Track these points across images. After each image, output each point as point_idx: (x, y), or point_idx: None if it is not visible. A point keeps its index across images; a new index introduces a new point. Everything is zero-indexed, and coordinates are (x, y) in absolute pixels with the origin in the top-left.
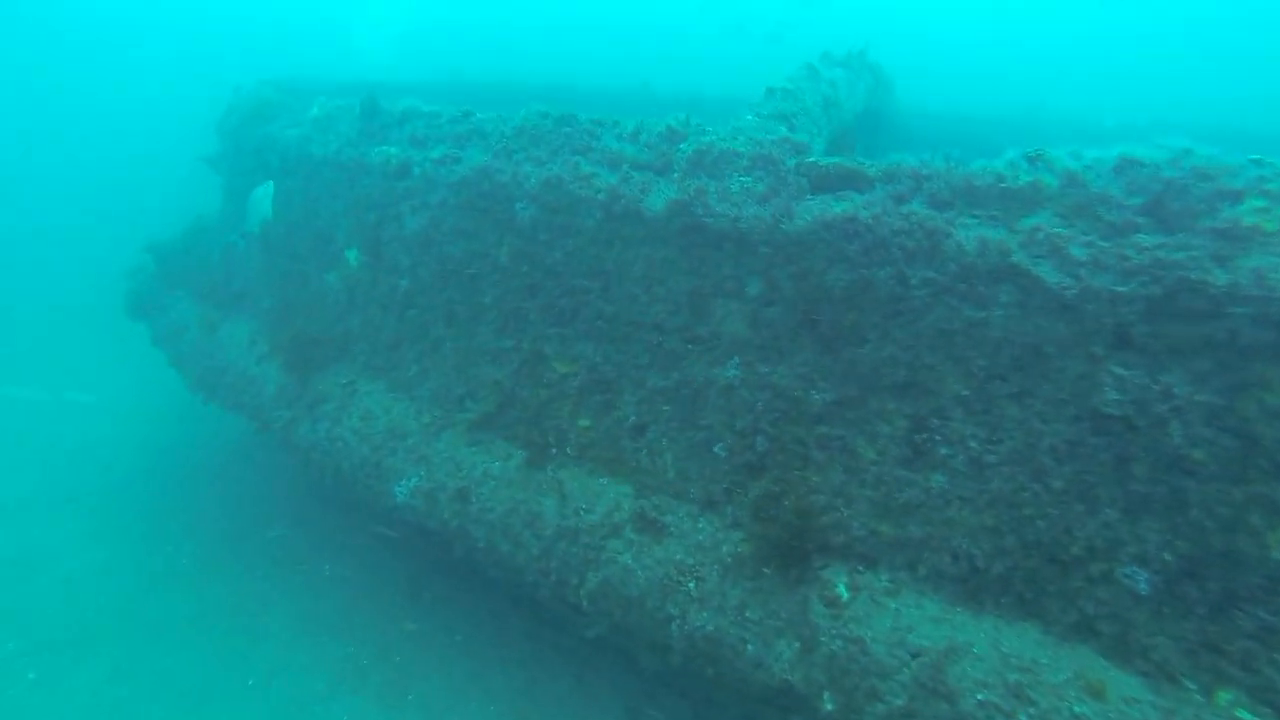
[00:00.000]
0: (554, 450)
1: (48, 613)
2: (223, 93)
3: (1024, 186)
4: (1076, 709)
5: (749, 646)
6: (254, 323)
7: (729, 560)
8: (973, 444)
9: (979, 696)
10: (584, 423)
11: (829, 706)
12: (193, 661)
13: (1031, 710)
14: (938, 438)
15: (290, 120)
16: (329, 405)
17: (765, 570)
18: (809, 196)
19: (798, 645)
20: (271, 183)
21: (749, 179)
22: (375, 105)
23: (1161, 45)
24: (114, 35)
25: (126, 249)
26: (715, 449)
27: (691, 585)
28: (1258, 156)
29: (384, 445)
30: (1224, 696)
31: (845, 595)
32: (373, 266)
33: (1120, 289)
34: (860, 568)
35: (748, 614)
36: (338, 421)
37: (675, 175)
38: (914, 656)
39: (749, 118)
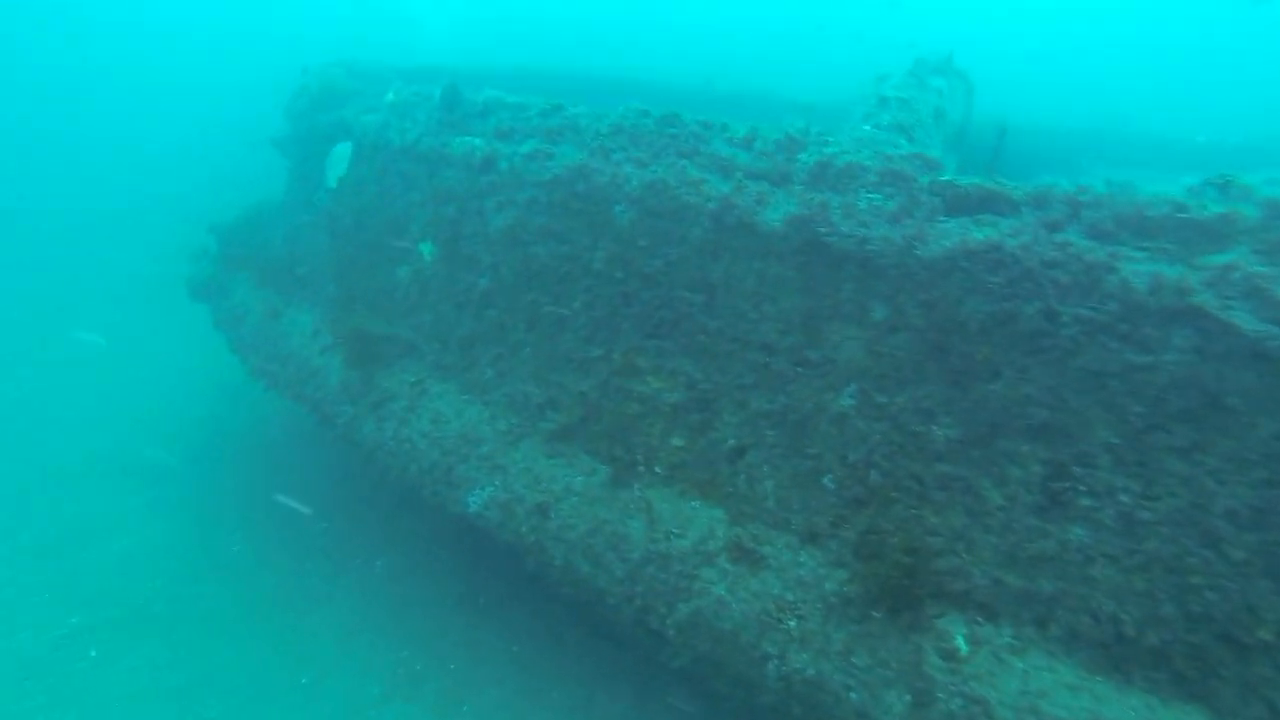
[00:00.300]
0: (641, 468)
1: (106, 588)
2: (288, 75)
3: (1211, 218)
4: None
5: (853, 695)
6: (317, 312)
7: (833, 599)
8: (1124, 498)
9: None
10: (677, 442)
11: None
12: (246, 654)
13: None
14: (1080, 487)
15: (363, 105)
16: (396, 404)
17: (874, 613)
18: (943, 218)
19: (909, 699)
20: (350, 143)
21: (878, 196)
22: (457, 94)
23: (1230, 55)
24: (179, 17)
25: (192, 229)
26: (824, 480)
27: (792, 623)
28: None
29: (456, 451)
30: None
31: (964, 649)
32: (449, 261)
33: None
34: (980, 619)
35: (854, 659)
36: (405, 422)
37: (795, 187)
38: None
39: (866, 128)
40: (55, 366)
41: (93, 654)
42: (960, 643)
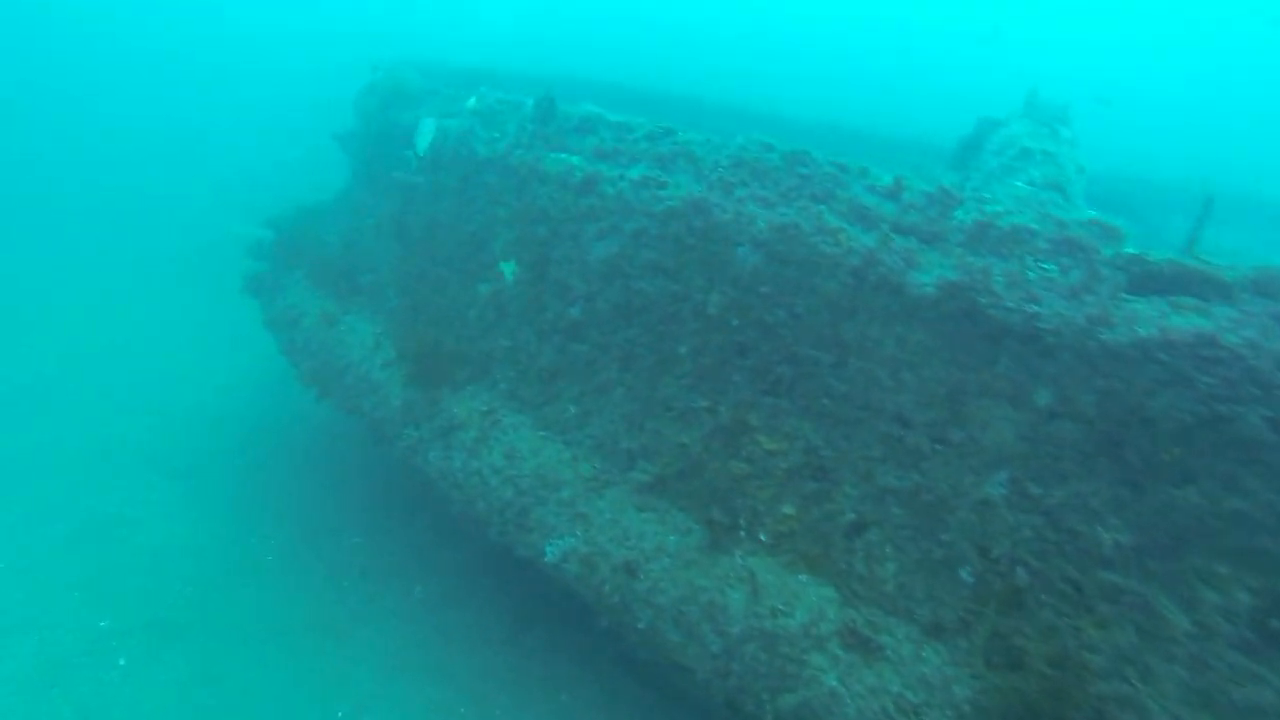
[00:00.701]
0: (743, 533)
1: (136, 590)
2: (357, 72)
3: None
4: None
5: None
6: (379, 322)
7: (966, 708)
8: None
9: None
10: (787, 509)
11: None
12: (280, 678)
13: None
14: None
15: (439, 108)
16: (466, 434)
17: None
18: (1127, 296)
19: None
20: (434, 119)
21: (1052, 266)
22: (552, 106)
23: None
24: (242, 12)
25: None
26: (960, 572)
27: None
28: None
29: (532, 492)
30: None
31: None
32: (534, 285)
33: None
34: None
35: None
36: (476, 454)
37: (953, 249)
38: None
39: (1020, 184)
40: (91, 353)
41: (122, 663)
42: None
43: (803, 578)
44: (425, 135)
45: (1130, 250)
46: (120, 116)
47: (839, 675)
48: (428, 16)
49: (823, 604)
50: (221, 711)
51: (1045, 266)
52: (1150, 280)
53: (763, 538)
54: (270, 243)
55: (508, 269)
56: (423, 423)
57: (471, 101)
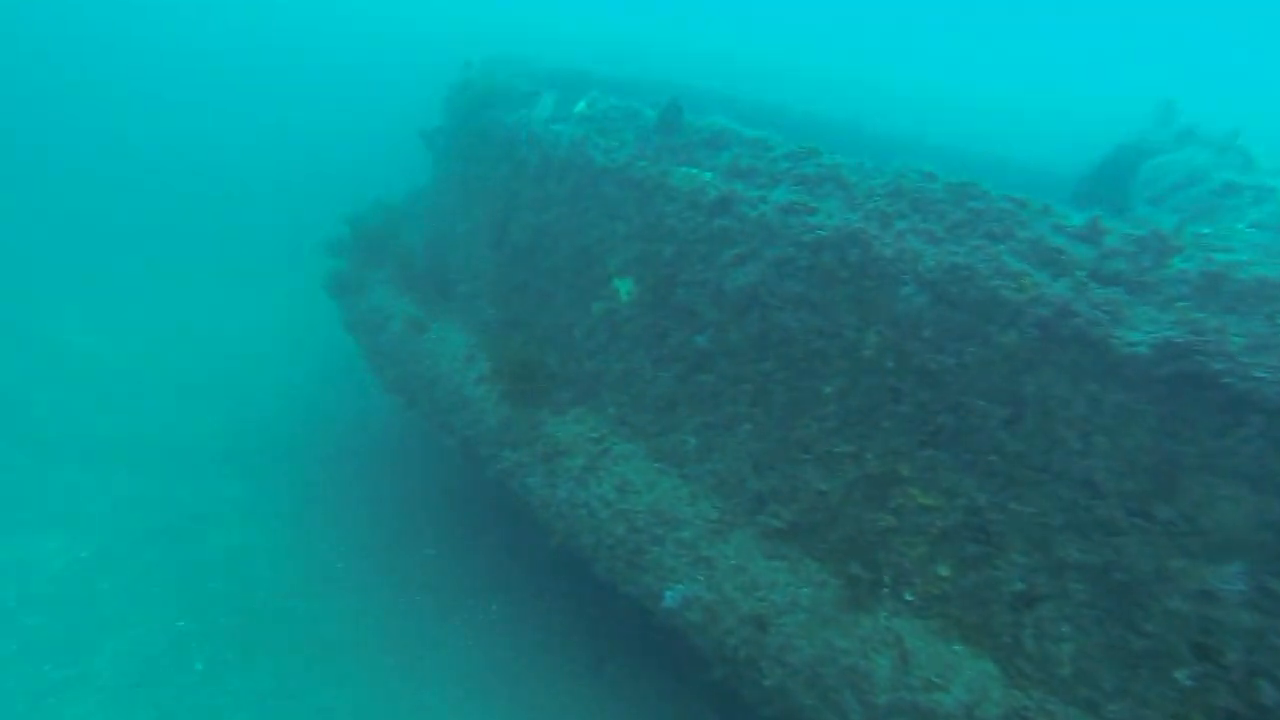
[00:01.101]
0: (887, 590)
1: (212, 591)
2: (447, 70)
3: None
4: None
5: None
6: (472, 334)
7: None
8: None
9: None
10: (942, 570)
11: None
12: (358, 698)
13: None
14: None
15: (543, 111)
16: (572, 461)
17: None
18: None
19: None
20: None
21: None
22: (678, 116)
23: None
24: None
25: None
26: (1175, 673)
27: None
28: None
29: (648, 530)
30: None
31: None
32: (655, 308)
33: None
34: None
35: None
36: (584, 484)
37: (1173, 302)
38: None
39: (1241, 227)
40: (174, 344)
41: (199, 667)
42: None
43: (958, 648)
44: (545, 108)
45: None
46: (201, 108)
47: None
48: (510, 16)
49: (984, 681)
50: None
51: None
52: None
53: (909, 598)
54: (350, 241)
55: (623, 287)
56: (522, 445)
57: (581, 106)
